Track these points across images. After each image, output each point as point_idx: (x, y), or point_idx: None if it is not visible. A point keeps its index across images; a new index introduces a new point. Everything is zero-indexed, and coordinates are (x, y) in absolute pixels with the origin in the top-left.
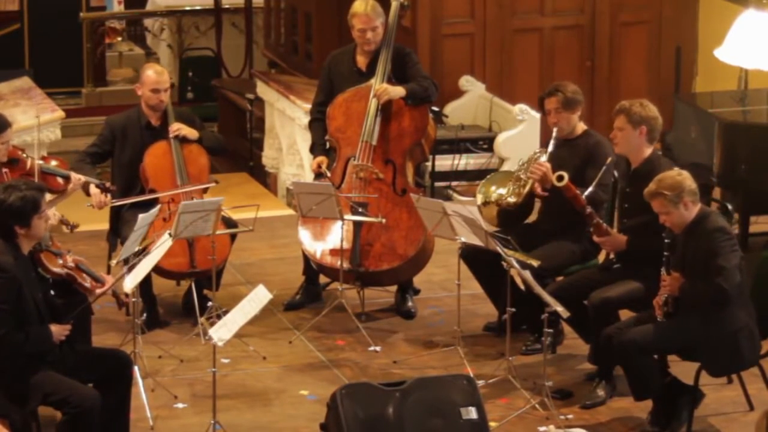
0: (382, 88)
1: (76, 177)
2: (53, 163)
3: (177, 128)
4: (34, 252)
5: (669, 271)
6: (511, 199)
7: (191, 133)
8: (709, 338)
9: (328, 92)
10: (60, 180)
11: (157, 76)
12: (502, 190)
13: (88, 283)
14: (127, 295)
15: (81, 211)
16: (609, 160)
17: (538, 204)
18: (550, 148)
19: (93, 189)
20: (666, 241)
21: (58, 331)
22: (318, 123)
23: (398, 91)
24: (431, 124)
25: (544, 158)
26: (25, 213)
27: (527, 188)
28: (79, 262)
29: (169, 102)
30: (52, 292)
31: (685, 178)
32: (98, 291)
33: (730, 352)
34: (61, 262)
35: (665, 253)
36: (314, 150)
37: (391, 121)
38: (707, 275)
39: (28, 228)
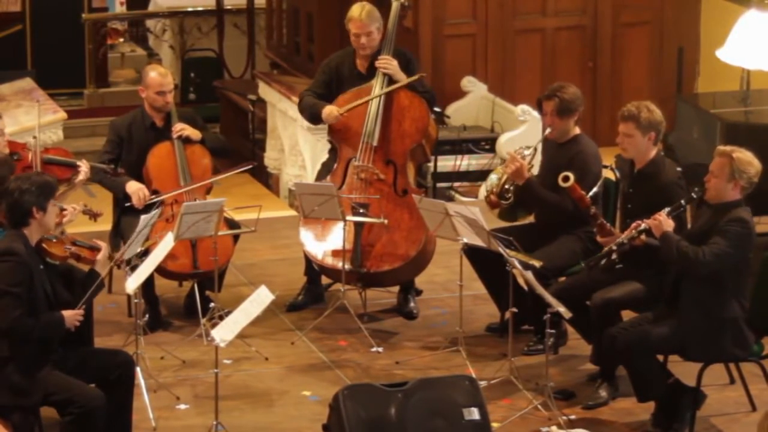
0: (388, 59)
1: (82, 163)
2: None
3: (180, 128)
4: (37, 244)
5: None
6: (494, 197)
7: (194, 133)
8: (698, 321)
9: (327, 91)
10: (65, 169)
11: (161, 78)
12: (494, 177)
13: (87, 254)
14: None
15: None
16: (597, 186)
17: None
18: (539, 147)
19: (131, 188)
20: (693, 195)
21: (71, 316)
22: (310, 96)
23: (402, 75)
24: (432, 124)
25: (527, 153)
26: (45, 195)
27: (503, 180)
28: (74, 239)
29: (172, 102)
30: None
31: (757, 166)
32: (99, 257)
33: (712, 339)
34: (61, 245)
35: (682, 202)
36: (316, 107)
37: (392, 122)
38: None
39: (44, 213)
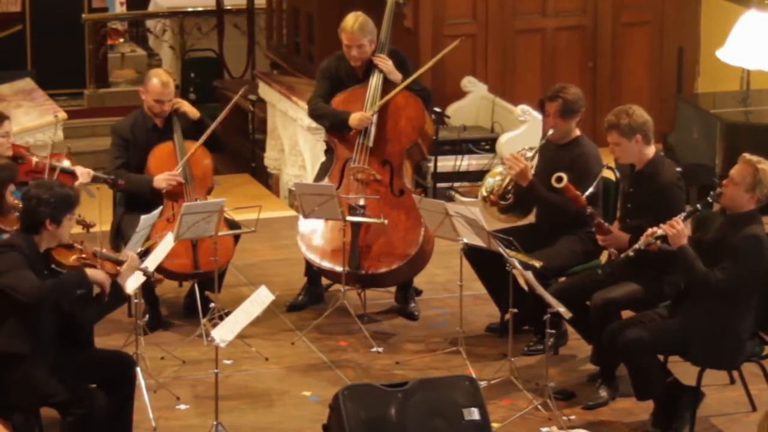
0: (384, 57)
1: (82, 171)
2: (65, 162)
3: (178, 103)
4: (46, 251)
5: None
6: (494, 197)
7: (192, 111)
8: (702, 324)
9: (329, 95)
10: (67, 176)
11: (162, 88)
12: (491, 181)
13: (109, 268)
14: (150, 276)
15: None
16: (593, 186)
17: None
18: (538, 147)
19: (158, 182)
20: (709, 199)
21: (94, 274)
22: (323, 103)
23: (397, 75)
24: (429, 122)
25: (529, 154)
26: (62, 208)
27: (505, 182)
28: (95, 250)
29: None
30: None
31: None
32: (122, 268)
33: (714, 344)
34: (74, 254)
35: (698, 207)
36: (341, 115)
37: (387, 123)
38: (716, 263)
39: (57, 226)
